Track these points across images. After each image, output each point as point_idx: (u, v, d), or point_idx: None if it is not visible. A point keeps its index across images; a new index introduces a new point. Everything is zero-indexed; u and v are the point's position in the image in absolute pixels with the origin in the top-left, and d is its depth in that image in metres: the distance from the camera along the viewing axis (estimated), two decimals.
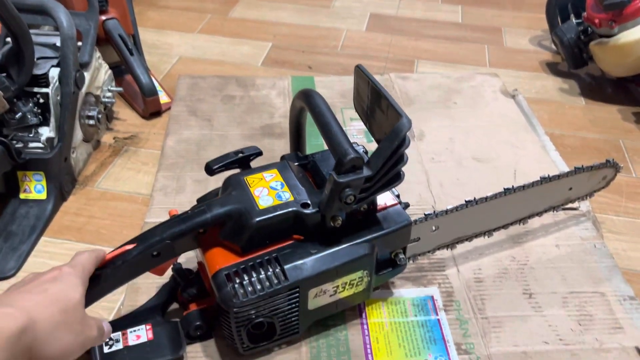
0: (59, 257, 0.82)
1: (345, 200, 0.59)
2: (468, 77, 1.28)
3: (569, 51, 1.28)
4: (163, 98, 1.16)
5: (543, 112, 1.21)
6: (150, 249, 0.60)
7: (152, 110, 1.13)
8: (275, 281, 0.60)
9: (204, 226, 0.62)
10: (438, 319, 0.72)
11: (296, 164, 0.70)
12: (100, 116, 1.01)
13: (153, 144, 1.06)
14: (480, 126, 1.11)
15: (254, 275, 0.60)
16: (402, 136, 0.57)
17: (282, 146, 1.03)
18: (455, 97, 1.20)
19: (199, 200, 0.71)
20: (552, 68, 1.39)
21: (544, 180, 0.77)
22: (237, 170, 0.70)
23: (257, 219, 0.60)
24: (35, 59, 0.88)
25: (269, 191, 0.63)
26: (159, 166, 0.98)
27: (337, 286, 0.64)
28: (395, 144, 0.57)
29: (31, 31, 0.84)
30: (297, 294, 0.62)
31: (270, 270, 0.60)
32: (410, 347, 0.68)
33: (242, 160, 0.70)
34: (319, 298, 0.64)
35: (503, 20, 1.63)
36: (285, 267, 0.61)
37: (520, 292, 0.77)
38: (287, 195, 0.63)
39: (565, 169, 1.00)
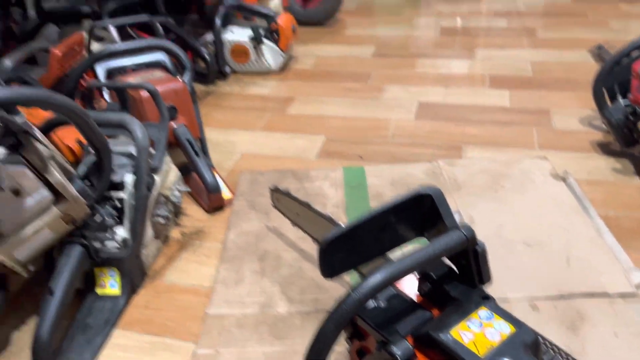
0: (129, 349, 0.89)
1: None
2: (516, 161, 1.30)
3: (618, 132, 1.29)
4: (226, 194, 1.25)
5: (596, 194, 1.20)
6: None
7: (215, 205, 1.22)
8: None
9: None
10: None
11: None
12: (169, 214, 1.11)
13: (215, 237, 1.14)
14: (530, 210, 1.12)
15: None
16: None
17: None
18: (504, 181, 1.23)
19: None
20: (604, 148, 1.39)
21: None
22: None
23: None
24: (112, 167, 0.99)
25: None
26: (220, 259, 1.05)
27: None
28: None
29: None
30: None
31: None
32: None
33: None
34: None
35: (551, 101, 1.66)
36: None
37: None
38: None
39: (622, 253, 0.99)
